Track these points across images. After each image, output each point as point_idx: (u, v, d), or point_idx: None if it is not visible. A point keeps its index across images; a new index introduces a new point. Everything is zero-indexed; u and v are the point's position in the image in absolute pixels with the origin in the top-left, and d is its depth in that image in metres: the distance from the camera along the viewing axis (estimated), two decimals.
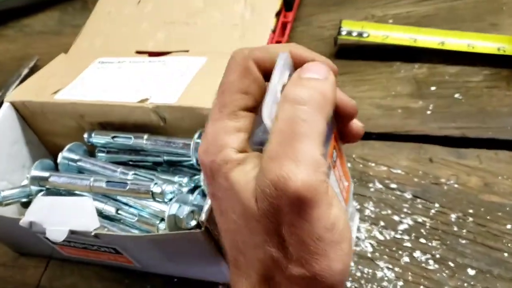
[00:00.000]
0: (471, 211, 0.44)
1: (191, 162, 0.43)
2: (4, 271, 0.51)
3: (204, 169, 0.26)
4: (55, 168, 0.47)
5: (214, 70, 0.47)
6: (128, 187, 0.41)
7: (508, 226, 0.42)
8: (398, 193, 0.46)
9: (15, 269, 0.50)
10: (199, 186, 0.42)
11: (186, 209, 0.39)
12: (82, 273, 0.48)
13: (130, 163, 0.47)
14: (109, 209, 0.43)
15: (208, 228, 0.35)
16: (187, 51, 0.52)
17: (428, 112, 0.52)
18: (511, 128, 0.48)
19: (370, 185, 0.48)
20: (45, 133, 0.51)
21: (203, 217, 0.35)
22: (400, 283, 0.41)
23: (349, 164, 0.50)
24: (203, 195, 0.42)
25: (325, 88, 0.25)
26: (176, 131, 0.46)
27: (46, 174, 0.44)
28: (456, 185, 0.46)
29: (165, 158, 0.45)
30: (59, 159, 0.46)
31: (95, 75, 0.50)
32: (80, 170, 0.47)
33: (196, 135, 0.42)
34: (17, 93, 0.50)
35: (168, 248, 0.39)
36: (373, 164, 0.49)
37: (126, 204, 0.44)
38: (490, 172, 0.46)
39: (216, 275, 0.43)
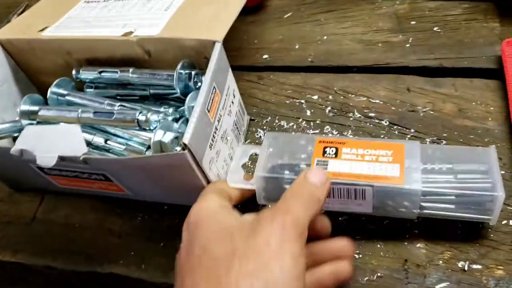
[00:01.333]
0: (445, 134, 0.46)
1: (176, 95, 0.45)
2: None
3: None
4: (45, 103, 0.49)
5: (197, 3, 0.48)
6: (114, 117, 0.42)
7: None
8: (376, 121, 0.48)
9: (11, 204, 0.53)
10: (184, 116, 0.44)
11: (171, 135, 0.41)
12: (76, 205, 0.51)
13: (118, 97, 0.49)
14: (98, 140, 0.45)
15: (191, 149, 0.37)
16: None
17: (407, 45, 0.53)
18: (486, 57, 0.50)
19: (350, 115, 0.49)
20: (34, 72, 0.52)
21: (186, 139, 0.37)
22: None
23: (330, 96, 0.51)
24: (188, 123, 0.44)
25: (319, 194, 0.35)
26: (161, 64, 0.47)
27: (35, 108, 0.46)
28: (431, 112, 0.48)
29: (151, 91, 0.47)
30: (48, 94, 0.48)
31: (81, 13, 0.51)
32: (69, 104, 0.49)
33: (179, 66, 0.44)
34: (4, 32, 0.51)
35: (154, 171, 0.41)
36: (353, 96, 0.51)
37: (114, 134, 0.45)
38: (465, 99, 0.48)
39: None
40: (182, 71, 0.44)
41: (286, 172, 0.41)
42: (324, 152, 0.41)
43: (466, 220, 0.39)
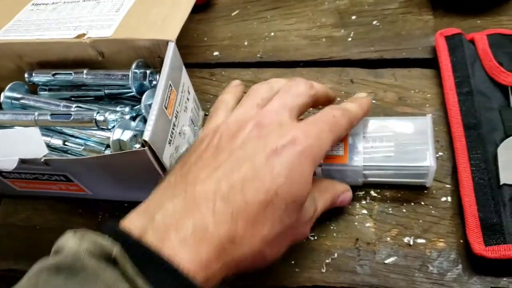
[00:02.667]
0: None
1: (132, 93, 0.46)
2: None
3: None
4: None
5: (147, 3, 0.49)
6: (72, 118, 0.43)
7: None
8: None
9: None
10: (140, 114, 0.45)
11: (129, 133, 0.42)
12: (36, 207, 0.51)
13: (73, 99, 0.49)
14: (56, 142, 0.46)
15: (151, 146, 0.39)
16: None
17: (349, 39, 0.57)
18: (421, 48, 0.54)
19: None
20: None
21: (146, 136, 0.38)
22: None
23: None
24: (145, 121, 0.45)
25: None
26: (115, 65, 0.48)
27: None
28: (374, 101, 0.51)
29: (106, 91, 0.48)
30: (1, 99, 0.48)
31: (30, 17, 0.51)
32: (24, 108, 0.49)
33: (134, 65, 0.45)
34: None
35: (115, 169, 0.42)
36: None
37: (72, 136, 0.46)
38: (404, 88, 0.52)
39: None
40: (137, 70, 0.45)
41: None
42: None
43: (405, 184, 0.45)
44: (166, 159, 0.41)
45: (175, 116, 0.44)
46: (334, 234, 0.43)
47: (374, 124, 0.45)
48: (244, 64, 0.58)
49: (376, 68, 0.54)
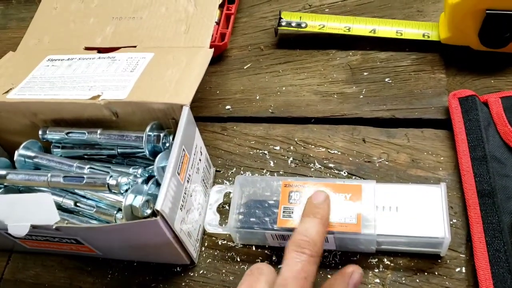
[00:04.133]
0: None
1: (144, 154, 0.46)
2: None
3: None
4: (12, 166, 0.49)
5: (162, 64, 0.50)
6: (85, 181, 0.43)
7: None
8: (336, 171, 0.51)
9: None
10: (153, 176, 0.45)
11: (141, 198, 0.42)
12: (45, 264, 0.51)
13: (85, 157, 0.49)
14: (68, 202, 0.46)
15: (163, 215, 0.39)
16: (134, 46, 0.54)
17: (361, 96, 0.57)
18: (434, 108, 0.54)
19: (311, 165, 0.52)
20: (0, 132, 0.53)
21: (158, 205, 0.38)
22: None
23: (291, 147, 0.54)
24: (157, 184, 0.45)
25: None
26: (128, 124, 0.48)
27: (3, 172, 0.46)
28: (386, 162, 0.51)
29: (119, 151, 0.48)
30: (15, 157, 0.48)
31: (45, 73, 0.52)
32: (37, 167, 0.49)
33: (148, 128, 0.45)
34: None
35: (127, 236, 0.42)
36: (313, 146, 0.54)
37: (83, 196, 0.46)
38: (417, 149, 0.51)
39: (174, 258, 0.46)
40: (151, 133, 0.45)
41: (256, 221, 0.45)
42: (290, 197, 0.45)
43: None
44: (177, 225, 0.41)
45: (187, 180, 0.44)
46: None
47: (387, 191, 0.45)
48: (255, 119, 0.58)
49: (389, 127, 0.53)
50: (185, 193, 0.43)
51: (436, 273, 0.43)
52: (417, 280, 0.43)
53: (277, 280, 0.35)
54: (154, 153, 0.45)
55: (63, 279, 0.49)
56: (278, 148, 0.54)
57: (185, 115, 0.43)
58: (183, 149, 0.42)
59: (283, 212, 0.45)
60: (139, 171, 0.46)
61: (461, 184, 0.47)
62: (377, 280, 0.44)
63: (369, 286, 0.44)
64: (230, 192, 0.49)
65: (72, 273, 0.49)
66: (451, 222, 0.45)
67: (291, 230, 0.44)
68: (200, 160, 0.48)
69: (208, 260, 0.48)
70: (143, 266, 0.48)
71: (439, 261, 0.44)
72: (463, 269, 0.43)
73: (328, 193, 0.44)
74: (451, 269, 0.43)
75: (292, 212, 0.45)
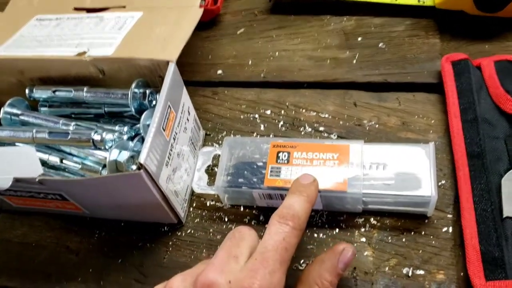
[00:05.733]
0: None
1: (131, 113, 0.46)
2: None
3: None
4: None
5: (150, 23, 0.49)
6: (70, 137, 0.43)
7: None
8: (325, 135, 0.51)
9: None
10: (139, 134, 0.45)
11: (126, 154, 0.42)
12: (32, 224, 0.51)
13: (73, 115, 0.49)
14: (54, 159, 0.45)
15: (147, 169, 0.38)
16: (124, 6, 0.54)
17: (354, 62, 0.56)
18: (427, 72, 0.53)
19: (301, 129, 0.52)
20: None
21: (142, 158, 0.38)
22: None
23: (282, 111, 0.54)
24: (143, 142, 0.45)
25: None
26: (115, 82, 0.48)
27: None
28: (377, 125, 0.50)
29: (106, 109, 0.48)
30: (1, 114, 0.48)
31: (33, 32, 0.51)
32: (23, 124, 0.49)
33: (134, 85, 0.45)
34: None
35: (111, 191, 0.41)
36: (304, 110, 0.53)
37: (70, 153, 0.46)
38: (408, 113, 0.51)
39: (161, 217, 0.46)
40: (136, 90, 0.45)
41: (244, 181, 0.45)
42: (278, 157, 0.44)
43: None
44: (162, 181, 0.41)
45: (174, 138, 0.43)
46: None
47: (375, 151, 0.44)
48: (247, 84, 0.57)
49: (381, 91, 0.53)
50: (171, 150, 0.43)
51: (423, 233, 0.43)
52: (403, 240, 0.43)
53: (257, 248, 0.34)
54: (141, 111, 0.45)
55: (50, 238, 0.49)
56: (269, 112, 0.54)
57: (171, 71, 0.43)
58: (169, 106, 0.42)
59: (271, 171, 0.45)
60: (125, 128, 0.45)
61: (451, 147, 0.47)
62: (363, 239, 0.43)
63: (355, 244, 0.43)
64: (219, 155, 0.48)
65: (59, 232, 0.49)
66: (440, 184, 0.45)
67: (279, 189, 0.44)
68: (188, 119, 0.47)
69: (196, 220, 0.48)
70: (130, 225, 0.48)
71: (426, 221, 0.43)
72: (450, 229, 0.43)
73: (316, 153, 0.44)
74: (438, 229, 0.43)
75: (280, 172, 0.44)
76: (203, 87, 0.58)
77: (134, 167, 0.42)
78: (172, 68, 0.43)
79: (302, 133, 0.51)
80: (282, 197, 0.45)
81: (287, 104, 0.54)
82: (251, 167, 0.47)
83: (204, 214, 0.48)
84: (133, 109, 0.45)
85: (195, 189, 0.47)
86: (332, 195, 0.43)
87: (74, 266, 0.47)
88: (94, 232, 0.49)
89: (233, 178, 0.46)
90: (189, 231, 0.47)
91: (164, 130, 0.41)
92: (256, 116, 0.54)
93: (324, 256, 0.37)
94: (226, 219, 0.47)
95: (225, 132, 0.53)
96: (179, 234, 0.47)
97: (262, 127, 0.53)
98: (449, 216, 0.43)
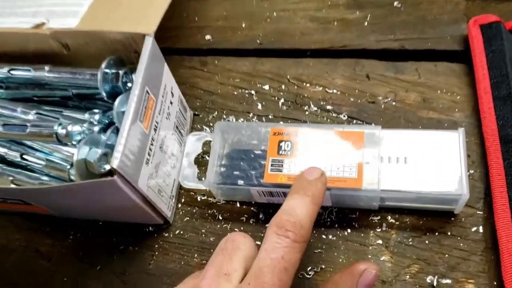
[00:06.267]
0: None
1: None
2: None
3: None
4: None
5: None
6: (28, 130, 0.35)
7: None
8: (334, 115, 0.44)
9: None
10: (114, 123, 0.38)
11: (97, 152, 0.35)
12: None
13: (35, 99, 0.41)
14: (13, 154, 0.38)
15: (122, 174, 0.31)
16: None
17: (365, 24, 0.48)
18: (451, 37, 0.45)
19: (305, 107, 0.44)
20: None
21: (114, 162, 0.31)
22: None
23: (283, 86, 0.46)
24: (118, 133, 0.37)
25: None
26: (83, 59, 0.40)
27: None
28: (394, 103, 0.43)
29: (74, 91, 0.40)
30: None
31: None
32: None
33: (104, 64, 0.37)
34: None
35: (82, 197, 0.35)
36: (308, 85, 0.46)
37: (32, 148, 0.39)
38: (429, 87, 0.44)
39: (144, 219, 0.39)
40: (107, 70, 0.37)
41: (240, 174, 0.39)
42: (279, 148, 0.37)
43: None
44: (143, 183, 0.34)
45: (154, 129, 0.36)
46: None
47: (394, 139, 0.38)
48: (241, 52, 0.49)
49: (397, 60, 0.45)
50: (151, 144, 0.36)
51: (449, 233, 0.37)
52: (426, 242, 0.37)
53: (252, 267, 0.28)
54: (115, 95, 0.37)
55: (19, 241, 0.43)
56: (267, 87, 0.46)
57: (148, 47, 0.35)
58: (147, 91, 0.35)
59: (272, 165, 0.38)
60: (97, 117, 0.38)
61: (480, 129, 0.40)
62: (379, 241, 0.38)
63: (370, 248, 0.37)
64: (210, 141, 0.41)
65: (27, 234, 0.43)
66: (468, 173, 0.38)
67: (280, 186, 0.37)
68: (171, 103, 0.40)
69: (186, 219, 0.41)
70: (109, 225, 0.42)
71: (452, 219, 0.38)
72: (480, 229, 0.37)
73: (324, 143, 0.37)
74: (467, 229, 0.37)
75: (282, 166, 0.38)
76: (190, 56, 0.50)
77: (107, 166, 0.35)
78: (149, 44, 0.35)
79: (307, 113, 0.44)
80: (286, 195, 0.38)
81: (288, 77, 0.46)
82: (248, 156, 0.40)
83: (194, 211, 0.41)
84: (104, 94, 0.37)
85: (183, 185, 0.40)
86: (343, 193, 0.36)
87: (46, 273, 0.41)
88: (68, 233, 0.42)
89: (227, 171, 0.39)
90: (177, 231, 0.41)
91: (142, 122, 0.34)
92: (252, 92, 0.46)
93: (340, 278, 0.31)
94: (220, 217, 0.41)
95: (216, 112, 0.46)
96: (166, 235, 0.41)
97: (259, 106, 0.45)
98: (479, 213, 0.38)
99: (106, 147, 0.36)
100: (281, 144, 0.38)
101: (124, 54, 0.39)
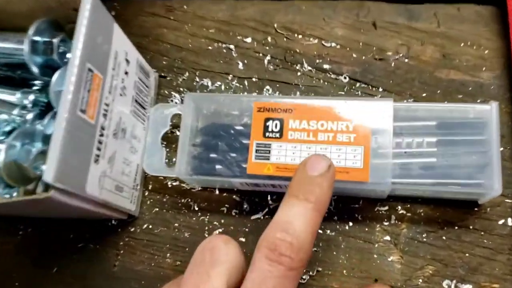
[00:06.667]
0: (424, 94, 0.34)
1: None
2: None
3: None
4: None
5: None
6: None
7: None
8: (332, 76, 0.35)
9: None
10: (54, 107, 0.29)
11: (32, 151, 0.27)
12: None
13: None
14: None
15: (61, 188, 0.24)
16: None
17: None
18: None
19: (297, 67, 0.36)
20: None
21: (48, 176, 0.23)
22: None
23: (269, 38, 0.37)
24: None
25: None
26: (10, 18, 0.31)
27: None
28: (406, 60, 0.35)
29: (1, 60, 0.31)
30: None
31: None
32: None
33: (32, 30, 0.28)
34: None
35: (20, 208, 0.27)
36: (300, 36, 0.37)
37: None
38: (450, 38, 0.35)
39: (103, 217, 0.33)
40: (38, 38, 0.28)
41: (218, 157, 0.32)
42: (266, 128, 0.30)
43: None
44: (92, 187, 0.27)
45: (104, 114, 0.28)
46: (345, 271, 0.31)
47: (407, 115, 0.30)
48: None
49: (410, 2, 0.36)
50: (101, 135, 0.28)
51: (471, 227, 0.31)
52: (443, 238, 0.31)
53: None
54: (53, 69, 0.29)
55: None
56: (249, 40, 0.37)
57: (87, 6, 0.26)
58: (89, 68, 0.26)
59: (256, 151, 0.30)
60: (31, 97, 0.29)
61: None
62: (387, 238, 0.32)
63: (376, 245, 0.31)
64: (180, 114, 0.33)
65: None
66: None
67: (267, 178, 0.30)
68: (126, 73, 0.31)
69: (154, 210, 0.34)
70: (63, 222, 0.35)
71: (476, 209, 0.32)
72: (509, 221, 0.31)
73: (322, 121, 0.30)
74: (492, 221, 0.31)
75: (269, 152, 0.30)
76: (152, 0, 0.40)
77: (45, 167, 0.27)
78: (89, 1, 0.26)
79: (299, 73, 0.36)
80: (275, 187, 0.31)
81: (275, 26, 0.37)
82: (228, 132, 0.32)
83: (164, 200, 0.35)
84: (35, 69, 0.28)
85: (147, 171, 0.33)
86: (348, 186, 0.29)
87: None
88: (18, 229, 0.35)
89: (202, 154, 0.32)
90: (145, 225, 0.34)
91: (84, 112, 0.26)
92: (231, 47, 0.37)
93: None
94: (195, 208, 0.34)
95: (187, 73, 0.37)
96: (132, 230, 0.34)
97: (240, 65, 0.37)
98: (508, 201, 0.31)
99: (43, 142, 0.28)
100: (267, 124, 0.31)
101: (61, 12, 0.30)
